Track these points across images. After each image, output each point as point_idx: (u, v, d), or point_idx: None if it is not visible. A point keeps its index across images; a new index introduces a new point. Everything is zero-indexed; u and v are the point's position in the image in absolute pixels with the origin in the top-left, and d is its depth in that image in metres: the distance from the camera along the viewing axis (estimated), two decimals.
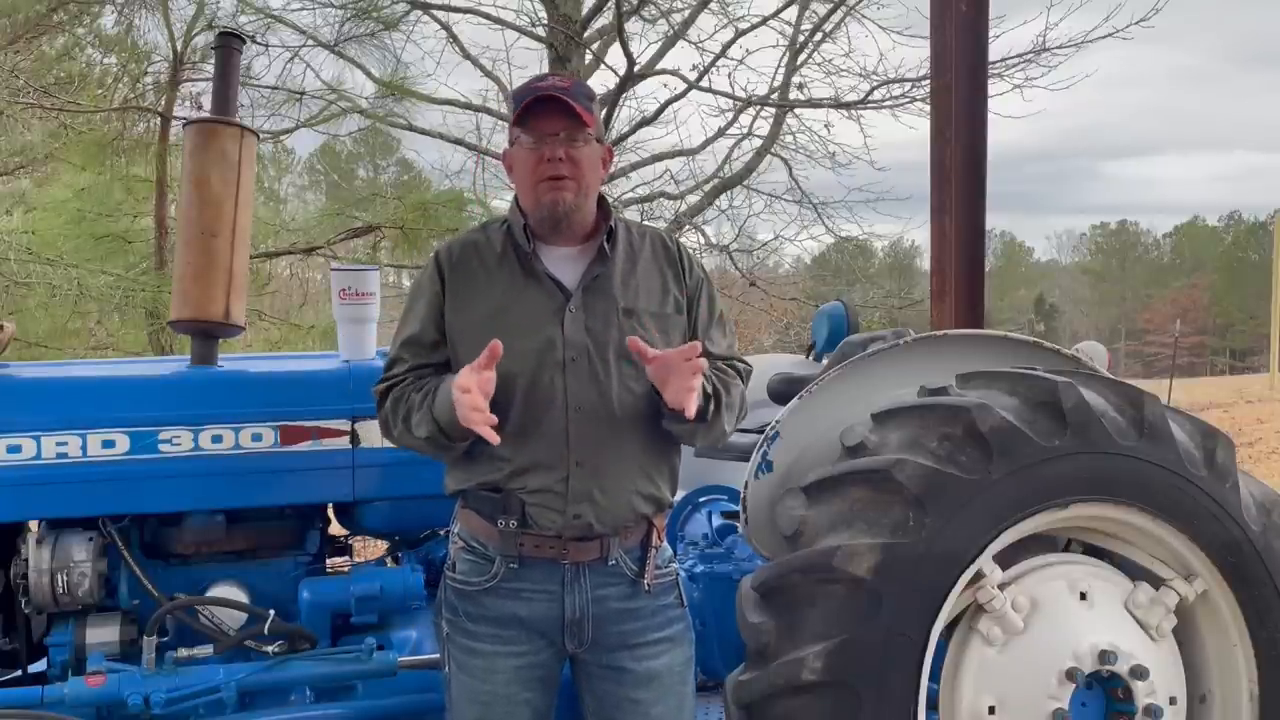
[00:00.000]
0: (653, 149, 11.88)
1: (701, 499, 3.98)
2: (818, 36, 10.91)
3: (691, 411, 2.21)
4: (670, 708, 2.43)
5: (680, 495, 3.99)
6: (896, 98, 10.88)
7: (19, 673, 2.96)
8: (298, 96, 9.60)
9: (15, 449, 2.77)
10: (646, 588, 2.39)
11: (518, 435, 2.28)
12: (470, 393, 2.15)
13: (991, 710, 2.50)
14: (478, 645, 2.36)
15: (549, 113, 2.30)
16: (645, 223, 2.52)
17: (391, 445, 2.46)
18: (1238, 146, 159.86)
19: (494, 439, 2.17)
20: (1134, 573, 2.67)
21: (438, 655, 2.96)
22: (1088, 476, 2.49)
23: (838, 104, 10.97)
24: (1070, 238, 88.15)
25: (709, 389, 2.32)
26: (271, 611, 2.86)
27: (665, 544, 2.47)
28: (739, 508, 2.80)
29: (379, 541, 3.49)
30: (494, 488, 2.34)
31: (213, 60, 3.69)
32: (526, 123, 2.33)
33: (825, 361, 3.72)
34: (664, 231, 2.58)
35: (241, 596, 2.92)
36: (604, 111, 9.89)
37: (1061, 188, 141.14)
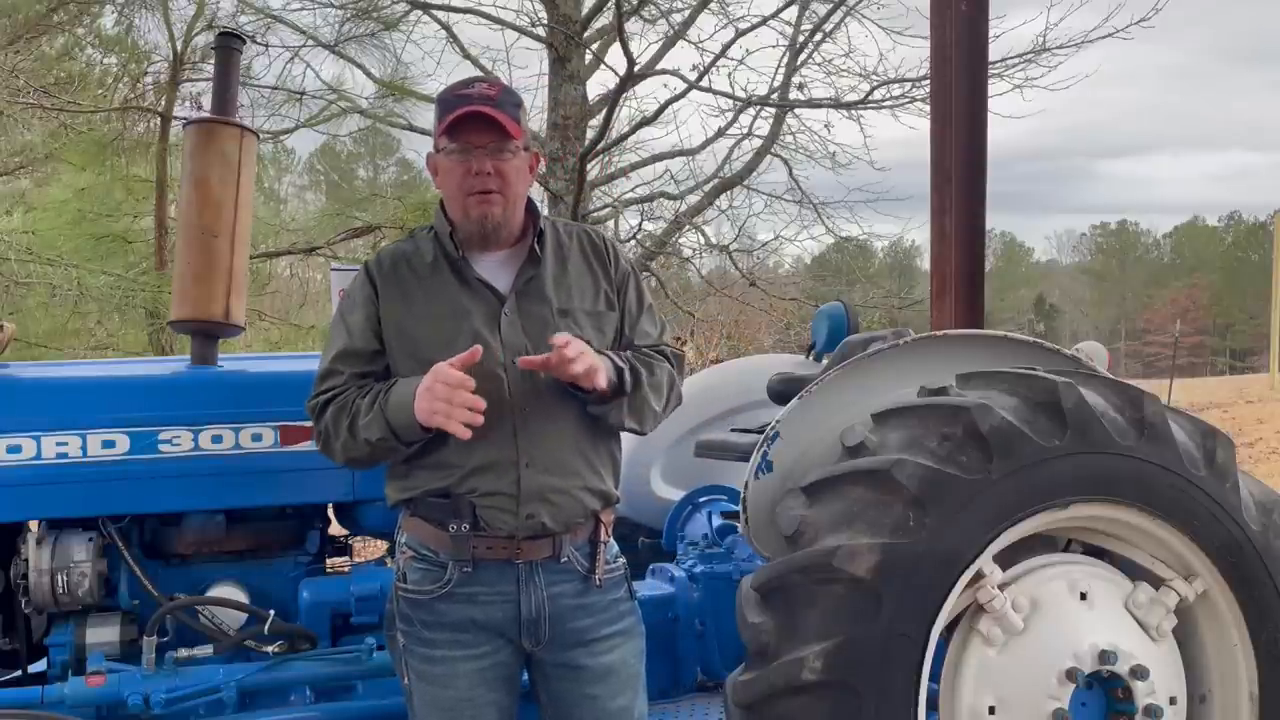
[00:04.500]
0: (653, 149, 11.91)
1: (701, 499, 3.98)
2: (818, 36, 10.92)
3: (602, 382, 2.25)
4: (628, 700, 2.44)
5: (680, 495, 4.00)
6: (896, 98, 10.90)
7: (19, 673, 2.96)
8: (298, 96, 9.62)
9: (15, 449, 2.76)
10: (598, 583, 2.40)
11: (465, 440, 2.26)
12: (460, 389, 2.17)
13: (991, 710, 2.50)
14: (436, 652, 2.34)
15: (476, 124, 2.30)
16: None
17: (333, 462, 2.42)
18: (1232, 146, 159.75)
19: (465, 434, 2.19)
20: (1134, 573, 2.67)
21: None
22: (1088, 476, 2.49)
23: (838, 104, 10.97)
24: (1070, 238, 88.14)
25: (623, 365, 2.34)
26: (271, 611, 2.86)
27: (612, 540, 2.47)
28: (739, 508, 2.80)
29: (379, 541, 3.48)
30: (443, 493, 2.33)
31: (213, 60, 3.69)
32: (453, 132, 2.32)
33: (825, 361, 3.72)
34: (590, 228, 2.60)
35: (241, 596, 2.92)
36: (605, 110, 9.90)
37: (1058, 187, 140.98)
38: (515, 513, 2.30)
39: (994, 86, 6.27)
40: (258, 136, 3.49)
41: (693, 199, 11.74)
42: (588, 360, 2.23)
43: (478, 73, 10.43)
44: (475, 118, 2.29)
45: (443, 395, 2.18)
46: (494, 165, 2.31)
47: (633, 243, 11.32)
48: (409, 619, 2.37)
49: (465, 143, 2.31)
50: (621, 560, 2.50)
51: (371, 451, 2.33)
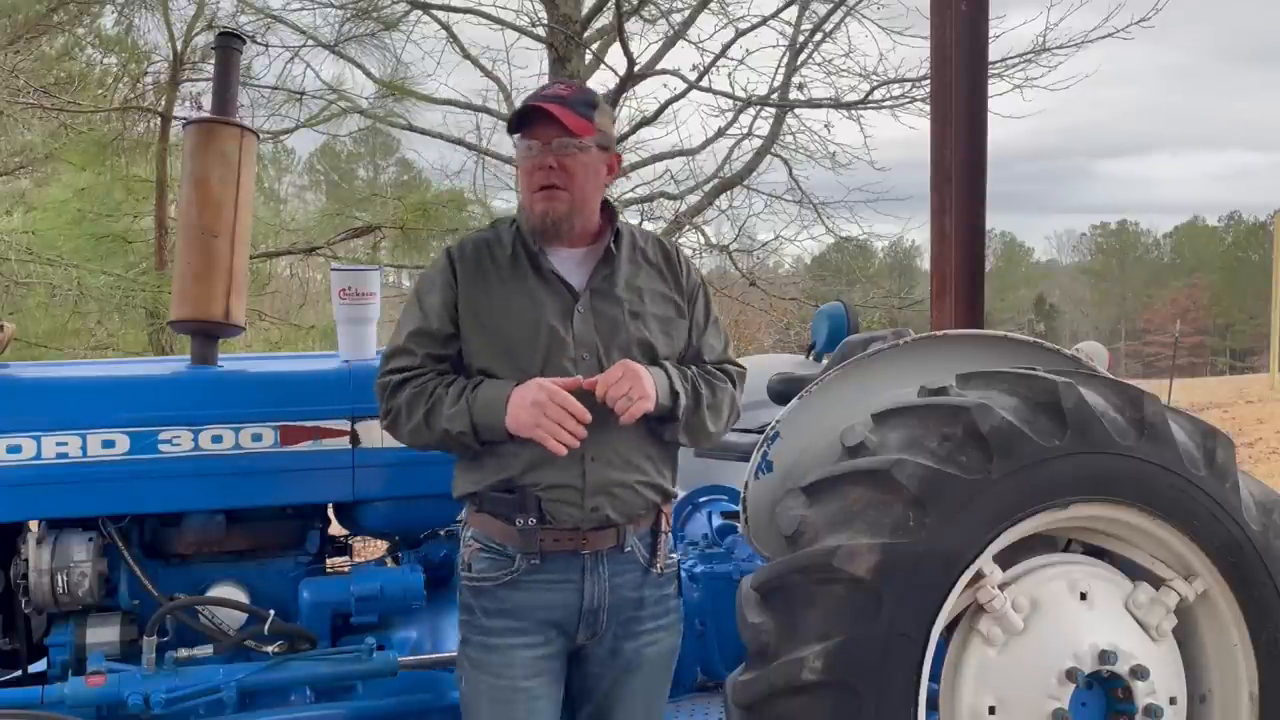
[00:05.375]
0: (653, 149, 11.88)
1: (701, 499, 3.98)
2: (818, 36, 10.91)
3: (628, 421, 2.31)
4: (655, 694, 2.53)
5: (680, 495, 4.00)
6: (896, 98, 10.89)
7: (19, 673, 2.95)
8: (298, 96, 9.61)
9: (15, 449, 2.77)
10: (659, 572, 2.47)
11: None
12: (573, 418, 2.24)
13: (991, 710, 2.49)
14: (493, 640, 2.38)
15: (541, 120, 2.36)
16: (645, 227, 2.58)
17: (395, 440, 2.48)
18: (1231, 145, 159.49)
19: (561, 452, 2.27)
20: (1134, 573, 2.66)
21: (438, 655, 2.97)
22: (1088, 476, 2.48)
23: (838, 104, 10.97)
24: (1070, 238, 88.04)
25: (680, 389, 2.40)
26: (271, 611, 2.86)
27: (671, 535, 2.54)
28: (739, 508, 2.80)
29: (379, 541, 3.48)
30: (507, 487, 2.37)
31: (213, 60, 3.69)
32: (523, 130, 2.39)
33: (825, 361, 3.72)
34: (664, 237, 2.64)
35: (241, 596, 2.92)
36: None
37: (1058, 187, 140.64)
38: (580, 505, 2.35)
39: (994, 86, 6.26)
40: (258, 136, 3.49)
41: (693, 199, 11.73)
42: (635, 399, 2.29)
43: (478, 73, 10.48)
44: (541, 116, 2.35)
45: (556, 418, 2.25)
46: (556, 160, 2.36)
47: None
48: (470, 608, 2.42)
49: (532, 138, 2.38)
50: (675, 557, 2.57)
51: (442, 441, 2.38)
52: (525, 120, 2.38)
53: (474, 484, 2.42)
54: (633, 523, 2.43)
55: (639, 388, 2.29)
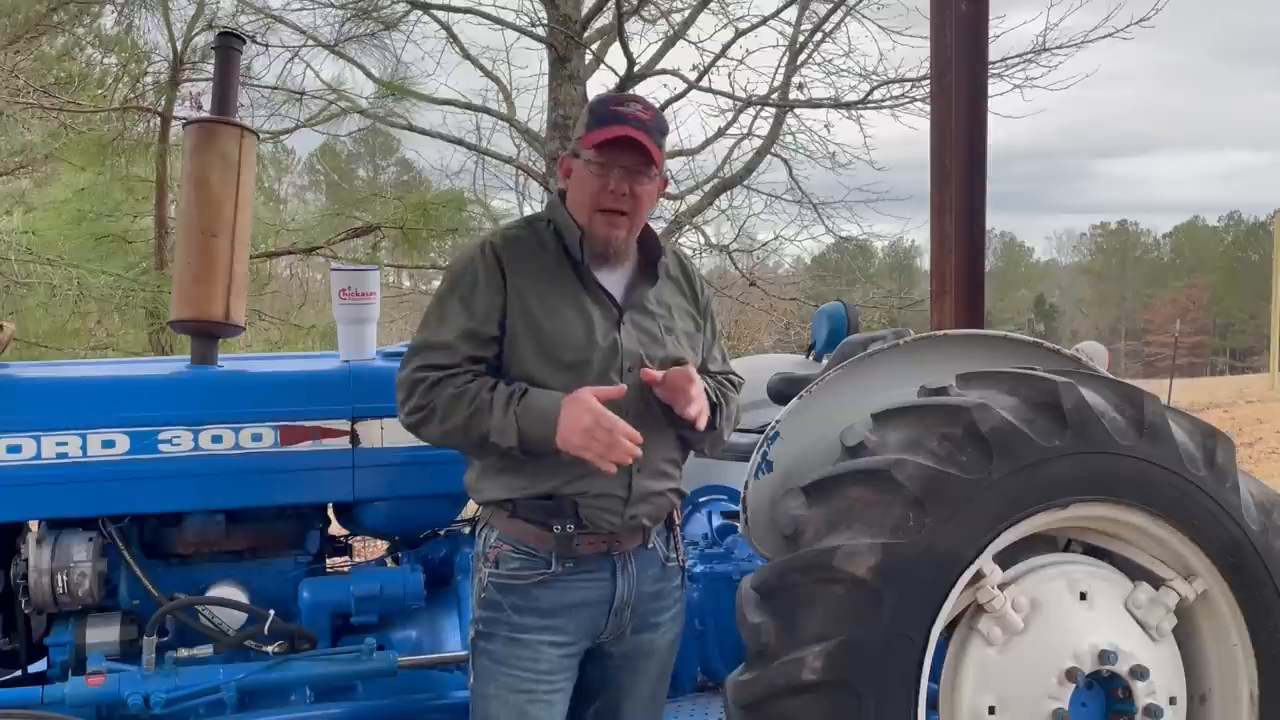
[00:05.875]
0: None
1: (701, 499, 3.98)
2: (818, 36, 10.91)
3: (703, 423, 2.36)
4: (662, 681, 2.61)
5: None
6: (896, 98, 10.87)
7: (19, 673, 2.95)
8: (298, 96, 9.61)
9: (15, 449, 2.77)
10: (680, 564, 2.55)
11: None
12: (625, 439, 2.24)
13: (991, 710, 2.49)
14: (523, 636, 2.39)
15: (624, 144, 2.34)
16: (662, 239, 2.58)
17: (416, 437, 2.45)
18: (1230, 145, 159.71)
19: (611, 470, 2.27)
20: (1134, 573, 2.66)
21: (438, 655, 2.96)
22: (1088, 476, 2.49)
23: (838, 104, 10.96)
24: (1070, 238, 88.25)
25: (714, 399, 2.48)
26: (271, 611, 2.86)
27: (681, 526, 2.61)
28: (739, 508, 2.80)
29: (379, 541, 3.48)
30: (547, 495, 2.37)
31: (213, 60, 3.69)
32: (602, 146, 2.36)
33: (825, 361, 3.72)
34: (679, 250, 2.71)
35: (241, 596, 2.92)
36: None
37: (1058, 187, 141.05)
38: (621, 514, 2.39)
39: (994, 86, 6.25)
40: (258, 136, 3.49)
41: (693, 199, 11.73)
42: (702, 403, 2.36)
43: (478, 73, 10.46)
44: (624, 138, 2.33)
45: (604, 441, 2.24)
46: (630, 187, 2.36)
47: None
48: (498, 604, 2.41)
49: (610, 159, 2.35)
50: (683, 547, 2.63)
51: (478, 447, 2.36)
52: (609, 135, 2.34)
53: (511, 490, 2.40)
54: (656, 522, 2.49)
55: (703, 399, 2.38)
